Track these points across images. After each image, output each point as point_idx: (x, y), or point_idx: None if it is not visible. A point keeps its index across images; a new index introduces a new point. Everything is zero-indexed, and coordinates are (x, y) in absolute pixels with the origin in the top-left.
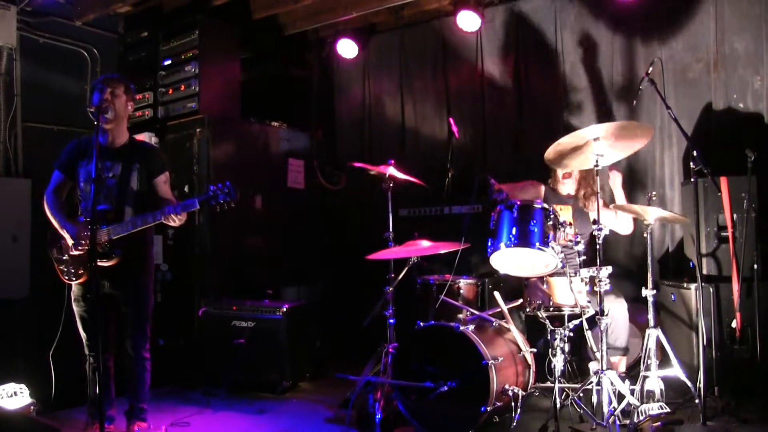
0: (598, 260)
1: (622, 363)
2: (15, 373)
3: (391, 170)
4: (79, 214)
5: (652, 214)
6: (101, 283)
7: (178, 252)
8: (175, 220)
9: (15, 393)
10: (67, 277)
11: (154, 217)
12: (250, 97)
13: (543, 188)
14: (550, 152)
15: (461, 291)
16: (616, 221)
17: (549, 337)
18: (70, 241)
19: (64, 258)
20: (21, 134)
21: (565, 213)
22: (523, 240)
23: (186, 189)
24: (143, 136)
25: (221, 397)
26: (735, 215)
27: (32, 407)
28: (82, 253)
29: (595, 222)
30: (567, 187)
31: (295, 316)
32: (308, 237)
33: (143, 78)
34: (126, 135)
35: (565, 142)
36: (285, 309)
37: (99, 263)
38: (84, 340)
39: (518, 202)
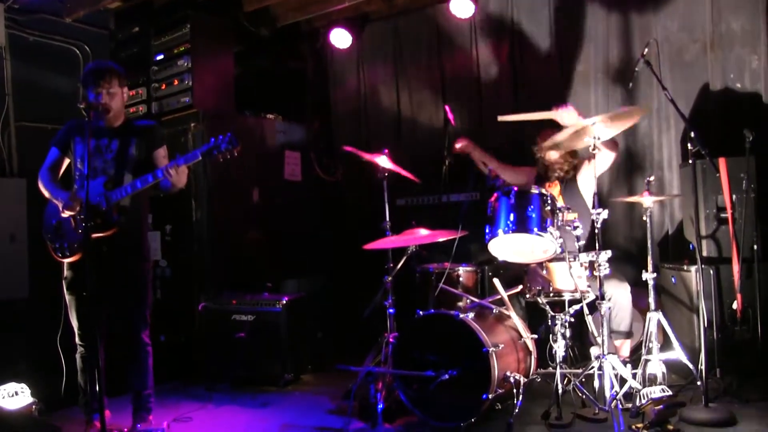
0: (597, 244)
1: (625, 347)
2: (16, 373)
3: (383, 159)
4: (76, 190)
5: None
6: (98, 258)
7: (177, 248)
8: (178, 175)
9: (16, 392)
10: (60, 254)
11: (155, 175)
12: (244, 91)
13: (535, 172)
14: (548, 143)
15: (461, 279)
16: (600, 162)
17: (550, 323)
18: (60, 205)
19: (57, 235)
20: (14, 134)
21: (553, 189)
22: (521, 226)
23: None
24: None
25: (223, 391)
26: (734, 196)
27: (33, 406)
28: (72, 214)
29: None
30: (551, 155)
31: (295, 309)
32: (306, 229)
33: (136, 73)
34: (123, 117)
35: (563, 133)
36: (285, 302)
37: (96, 234)
38: (75, 329)
39: (515, 189)
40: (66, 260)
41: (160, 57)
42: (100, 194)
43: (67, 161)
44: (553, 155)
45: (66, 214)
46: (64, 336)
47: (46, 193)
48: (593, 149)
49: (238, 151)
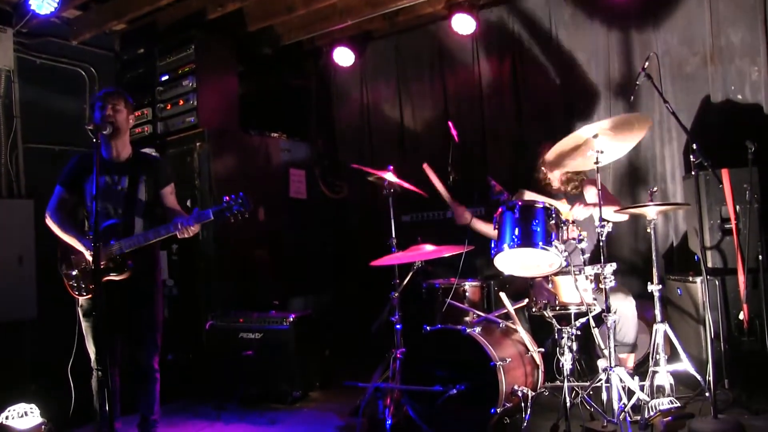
0: (602, 257)
1: (630, 359)
2: (26, 394)
3: (390, 176)
4: (88, 230)
5: (651, 212)
6: (112, 296)
7: (183, 267)
8: (189, 232)
9: (26, 413)
10: (77, 292)
11: (167, 229)
12: (248, 109)
13: (527, 193)
14: (550, 155)
15: (467, 294)
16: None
17: (556, 337)
18: (89, 257)
19: (74, 273)
20: (22, 155)
21: (560, 207)
22: (526, 240)
23: (188, 203)
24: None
25: (232, 409)
26: (738, 207)
27: (43, 426)
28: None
29: (601, 220)
30: (556, 180)
31: (303, 326)
32: (312, 246)
33: (141, 94)
34: (129, 148)
35: (565, 143)
36: (292, 319)
37: (111, 277)
38: (92, 354)
39: (519, 203)
40: (82, 297)
41: (165, 77)
42: (115, 242)
43: (73, 198)
44: (557, 174)
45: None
46: (75, 359)
47: (68, 239)
48: (596, 162)
49: (250, 212)
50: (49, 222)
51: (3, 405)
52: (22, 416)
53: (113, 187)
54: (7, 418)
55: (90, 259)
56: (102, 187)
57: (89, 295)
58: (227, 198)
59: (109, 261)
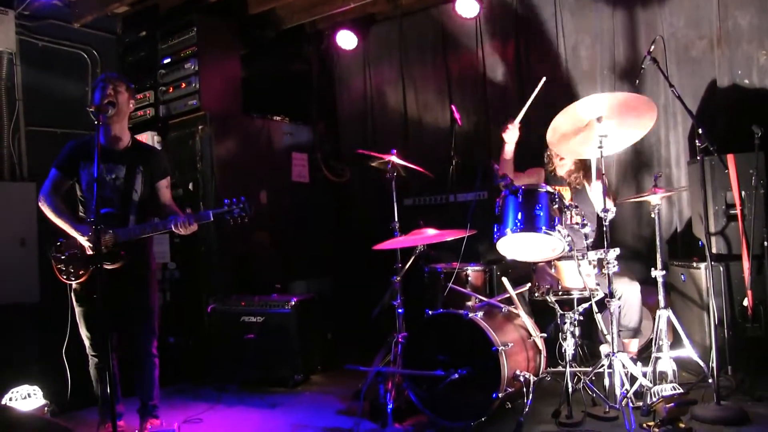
0: (605, 242)
1: (633, 344)
2: (29, 376)
3: (394, 159)
4: (82, 217)
5: (655, 197)
6: (105, 284)
7: (185, 250)
8: (186, 230)
9: (29, 395)
10: (65, 277)
11: (165, 225)
12: (251, 93)
13: (543, 172)
14: (550, 133)
15: (469, 278)
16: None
17: (559, 322)
18: (85, 243)
19: (63, 257)
20: (24, 138)
21: (563, 192)
22: (529, 224)
23: (190, 187)
24: (145, 136)
25: (233, 392)
26: (743, 192)
27: (46, 408)
28: (91, 254)
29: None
30: (562, 169)
31: (304, 310)
32: (315, 230)
33: (143, 77)
34: (128, 135)
35: (563, 119)
36: (294, 303)
37: (104, 266)
38: (87, 341)
39: (523, 187)
40: (71, 282)
41: (167, 60)
42: (108, 229)
43: (68, 183)
44: (565, 166)
45: (90, 252)
46: (69, 343)
47: (61, 223)
48: (599, 147)
49: (250, 217)
50: (43, 205)
51: (6, 387)
52: (25, 398)
53: (108, 175)
54: (10, 399)
55: (84, 244)
56: (99, 176)
57: (78, 281)
58: (228, 201)
59: (104, 249)
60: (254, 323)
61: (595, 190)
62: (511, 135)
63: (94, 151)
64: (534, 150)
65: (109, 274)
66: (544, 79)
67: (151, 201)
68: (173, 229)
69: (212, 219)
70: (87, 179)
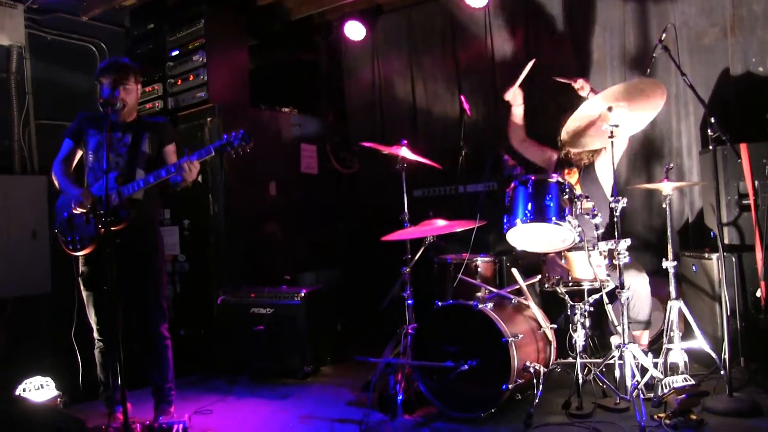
0: (616, 233)
1: (644, 336)
2: (41, 367)
3: (404, 151)
4: (87, 183)
5: (667, 187)
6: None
7: (195, 242)
8: (190, 171)
9: (41, 386)
10: (70, 247)
11: (168, 170)
12: (259, 84)
13: (556, 156)
14: (564, 135)
15: (479, 269)
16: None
17: (569, 313)
18: (72, 201)
19: (67, 227)
20: (34, 132)
21: (572, 176)
22: (539, 215)
23: (199, 179)
24: None
25: (243, 384)
26: (756, 182)
27: (58, 399)
28: (84, 211)
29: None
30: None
31: (314, 301)
32: (324, 222)
33: (152, 70)
34: (136, 112)
35: (576, 120)
36: (303, 294)
37: (110, 228)
38: (93, 324)
39: (533, 177)
40: (76, 254)
41: (175, 53)
42: (112, 189)
43: (79, 153)
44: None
45: (78, 210)
46: (78, 330)
47: (57, 184)
48: (611, 136)
49: (251, 147)
50: (53, 173)
51: (20, 378)
52: (38, 389)
53: (116, 142)
54: (24, 390)
55: (77, 211)
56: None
57: (84, 251)
58: (227, 135)
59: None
60: (264, 315)
61: (603, 166)
62: (511, 95)
63: (103, 121)
64: (544, 138)
65: (117, 255)
66: (533, 60)
67: (159, 163)
68: (176, 172)
69: (213, 153)
70: (94, 145)
